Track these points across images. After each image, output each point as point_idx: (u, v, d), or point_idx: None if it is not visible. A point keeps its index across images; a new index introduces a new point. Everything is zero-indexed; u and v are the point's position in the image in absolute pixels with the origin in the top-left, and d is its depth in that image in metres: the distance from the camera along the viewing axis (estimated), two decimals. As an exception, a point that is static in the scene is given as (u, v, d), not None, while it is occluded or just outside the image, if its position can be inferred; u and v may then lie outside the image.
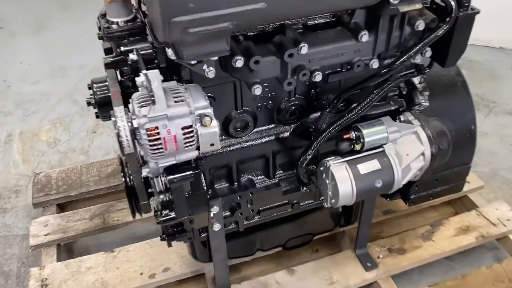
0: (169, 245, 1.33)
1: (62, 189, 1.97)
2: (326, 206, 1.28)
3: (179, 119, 0.92)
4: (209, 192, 1.30)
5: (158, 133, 0.91)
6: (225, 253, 1.41)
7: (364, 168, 1.21)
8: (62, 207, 1.98)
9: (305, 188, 1.36)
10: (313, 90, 1.23)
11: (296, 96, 1.23)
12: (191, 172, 1.00)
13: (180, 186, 1.02)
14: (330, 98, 1.21)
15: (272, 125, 1.28)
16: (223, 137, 1.23)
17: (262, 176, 1.36)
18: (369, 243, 1.69)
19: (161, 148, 0.93)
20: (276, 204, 1.40)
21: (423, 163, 1.29)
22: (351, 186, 1.19)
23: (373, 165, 1.22)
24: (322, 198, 1.35)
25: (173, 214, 1.08)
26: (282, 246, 1.64)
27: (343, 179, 1.19)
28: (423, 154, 1.28)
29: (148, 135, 0.91)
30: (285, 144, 1.30)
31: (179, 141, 0.93)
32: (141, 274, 1.61)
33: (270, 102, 1.22)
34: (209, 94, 1.08)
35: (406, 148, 1.26)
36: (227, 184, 1.33)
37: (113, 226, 1.84)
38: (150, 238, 1.74)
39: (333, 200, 1.24)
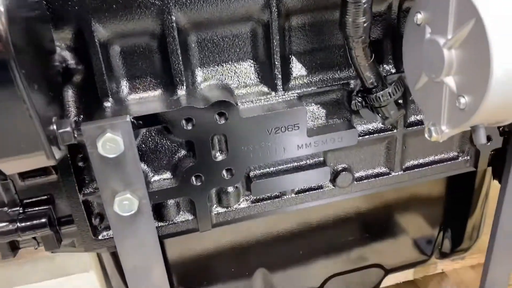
0: (5, 256, 0.50)
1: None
2: (431, 136, 0.43)
3: None
4: (107, 103, 0.48)
5: None
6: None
7: None
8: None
9: (367, 111, 0.52)
10: None
11: None
12: None
13: None
14: None
15: None
16: None
17: (253, 74, 0.53)
18: (509, 294, 0.78)
19: None
20: (294, 164, 0.55)
21: None
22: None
23: None
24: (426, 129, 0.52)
25: None
26: (317, 294, 0.76)
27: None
28: None
29: None
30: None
31: None
32: None
33: None
34: None
35: None
36: (160, 90, 0.50)
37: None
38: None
39: (464, 100, 0.39)
